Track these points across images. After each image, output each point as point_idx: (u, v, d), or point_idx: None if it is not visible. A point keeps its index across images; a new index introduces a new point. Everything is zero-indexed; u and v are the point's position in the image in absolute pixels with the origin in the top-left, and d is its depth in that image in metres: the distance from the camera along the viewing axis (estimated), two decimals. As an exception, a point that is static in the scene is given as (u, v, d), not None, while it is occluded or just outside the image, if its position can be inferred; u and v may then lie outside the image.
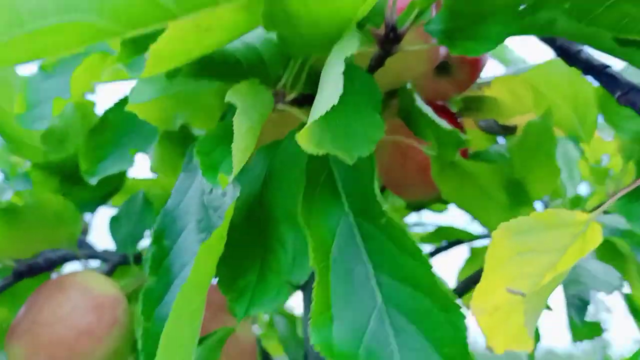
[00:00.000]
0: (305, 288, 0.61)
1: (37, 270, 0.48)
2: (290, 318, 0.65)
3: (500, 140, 0.57)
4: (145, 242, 0.57)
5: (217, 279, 0.33)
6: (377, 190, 0.27)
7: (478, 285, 0.26)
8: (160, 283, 0.34)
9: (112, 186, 0.51)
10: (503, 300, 0.26)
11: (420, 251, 0.25)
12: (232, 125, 0.28)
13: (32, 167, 0.49)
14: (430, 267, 0.25)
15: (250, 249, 0.33)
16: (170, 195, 0.37)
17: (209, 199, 0.35)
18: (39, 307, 0.45)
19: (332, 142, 0.24)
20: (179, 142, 0.68)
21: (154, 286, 0.34)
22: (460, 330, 0.24)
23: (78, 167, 0.48)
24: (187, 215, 0.36)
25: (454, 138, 0.37)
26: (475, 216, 0.50)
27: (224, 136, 0.30)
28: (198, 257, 0.29)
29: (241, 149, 0.24)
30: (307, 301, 0.61)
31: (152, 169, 0.79)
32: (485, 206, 0.47)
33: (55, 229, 0.42)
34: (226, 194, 0.34)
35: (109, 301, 0.45)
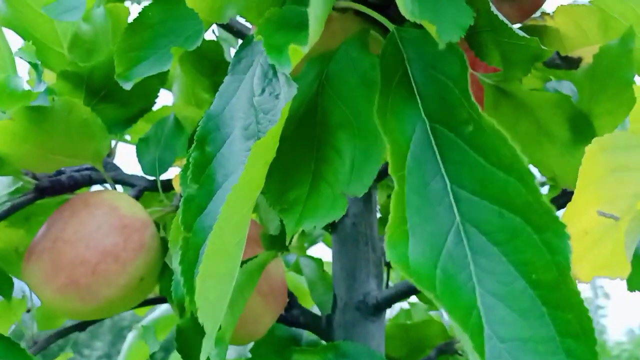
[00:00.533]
0: (335, 231, 0.59)
1: (59, 188, 0.45)
2: (318, 261, 0.63)
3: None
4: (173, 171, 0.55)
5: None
6: (467, 95, 0.23)
7: (567, 207, 0.23)
8: (203, 192, 0.31)
9: (141, 105, 0.48)
10: (593, 224, 0.23)
11: (520, 162, 0.21)
12: (292, 12, 0.24)
13: (57, 78, 0.46)
14: (532, 179, 0.21)
15: (302, 159, 0.30)
16: (214, 101, 0.33)
17: (259, 100, 0.31)
18: (62, 225, 0.41)
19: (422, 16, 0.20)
20: (205, 72, 0.65)
21: (195, 194, 0.30)
22: (559, 254, 0.21)
23: (106, 80, 0.45)
24: (232, 120, 0.32)
25: (532, 48, 0.32)
26: (531, 159, 0.46)
27: (285, 22, 0.26)
28: (251, 157, 0.26)
29: (318, 17, 0.20)
30: (337, 245, 0.58)
31: (177, 102, 0.76)
32: (543, 144, 0.43)
33: (81, 141, 0.39)
34: (279, 95, 0.31)
35: (137, 224, 0.42)
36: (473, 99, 0.22)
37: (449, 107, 0.24)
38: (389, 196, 0.72)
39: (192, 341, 0.42)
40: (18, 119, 0.34)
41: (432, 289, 0.20)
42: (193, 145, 0.32)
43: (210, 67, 0.63)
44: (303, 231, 0.87)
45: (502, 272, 0.21)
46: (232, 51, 0.84)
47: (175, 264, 0.37)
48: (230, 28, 0.58)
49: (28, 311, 0.56)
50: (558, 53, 0.50)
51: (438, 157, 0.24)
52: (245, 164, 0.26)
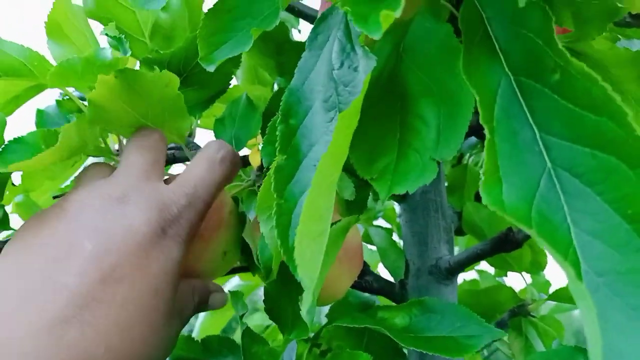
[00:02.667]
0: (405, 199, 0.60)
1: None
2: (388, 230, 0.64)
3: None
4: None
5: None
6: (553, 44, 0.24)
7: None
8: (290, 161, 0.33)
9: (218, 88, 0.50)
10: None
11: (612, 101, 0.22)
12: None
13: (140, 65, 0.49)
14: (624, 116, 0.22)
15: (386, 129, 0.32)
16: (294, 75, 0.35)
17: (338, 73, 0.33)
18: None
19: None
20: (270, 53, 0.67)
21: (284, 164, 0.33)
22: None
23: (185, 65, 0.48)
24: (312, 94, 0.34)
25: (607, 5, 0.33)
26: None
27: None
28: (337, 127, 0.28)
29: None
30: (407, 213, 0.59)
31: (242, 84, 0.78)
32: (617, 102, 0.43)
33: (171, 116, 0.41)
34: (357, 67, 0.32)
35: (215, 204, 0.45)
36: (560, 46, 0.23)
37: (533, 59, 0.25)
38: (453, 166, 0.73)
39: (278, 302, 0.45)
40: (119, 77, 0.36)
41: (529, 227, 0.22)
42: (278, 119, 0.34)
43: (274, 48, 0.65)
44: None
45: (596, 211, 0.22)
46: (294, 32, 0.85)
47: (264, 229, 0.39)
48: (292, 9, 0.60)
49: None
50: (629, 11, 0.49)
51: (525, 108, 0.25)
52: (333, 133, 0.28)
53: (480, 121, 0.24)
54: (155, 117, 0.40)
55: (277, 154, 0.33)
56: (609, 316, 0.21)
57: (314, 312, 0.40)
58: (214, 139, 0.53)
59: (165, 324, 0.35)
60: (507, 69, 0.26)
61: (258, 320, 1.18)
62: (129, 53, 0.39)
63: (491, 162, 0.23)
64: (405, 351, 0.56)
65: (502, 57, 0.26)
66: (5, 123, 0.37)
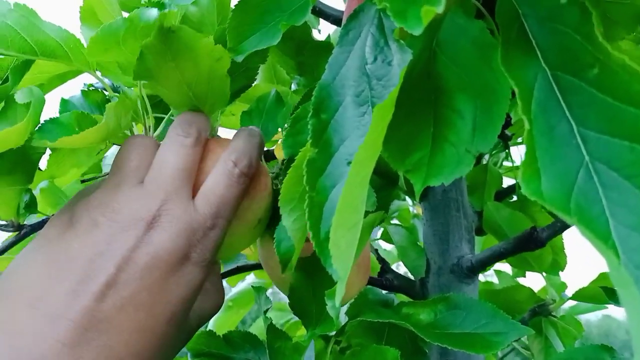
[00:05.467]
0: (426, 198, 0.60)
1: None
2: (408, 229, 0.64)
3: None
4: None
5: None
6: (593, 38, 0.24)
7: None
8: (322, 155, 0.33)
9: (244, 82, 0.51)
10: None
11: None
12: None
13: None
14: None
15: (420, 123, 0.32)
16: (325, 71, 0.36)
17: (372, 68, 0.33)
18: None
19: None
20: (290, 53, 0.67)
21: (316, 157, 0.33)
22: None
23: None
24: (343, 89, 0.35)
25: (637, 7, 0.33)
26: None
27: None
28: (374, 120, 0.28)
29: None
30: (428, 212, 0.60)
31: (260, 82, 0.79)
32: None
33: (214, 96, 0.40)
34: (392, 61, 0.33)
35: (262, 167, 0.44)
36: (600, 40, 0.24)
37: (570, 54, 0.25)
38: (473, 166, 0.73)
39: (303, 297, 0.45)
40: (175, 33, 0.35)
41: (569, 215, 0.22)
42: (310, 113, 0.35)
43: (294, 47, 0.65)
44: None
45: (635, 204, 0.22)
46: (314, 32, 0.86)
47: (287, 221, 0.39)
48: (313, 8, 0.60)
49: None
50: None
51: (562, 102, 0.25)
52: (370, 125, 0.28)
53: (520, 112, 0.24)
54: (200, 91, 0.39)
55: (309, 147, 0.34)
56: (649, 308, 0.21)
57: (340, 307, 0.41)
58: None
59: (175, 346, 0.36)
60: (543, 64, 0.26)
61: (273, 318, 1.18)
62: (175, 8, 0.37)
63: (530, 154, 0.24)
64: (427, 350, 0.56)
65: (538, 52, 0.26)
66: (44, 101, 0.37)
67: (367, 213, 0.50)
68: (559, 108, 0.25)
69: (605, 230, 0.22)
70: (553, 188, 0.23)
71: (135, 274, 0.33)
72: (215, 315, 1.01)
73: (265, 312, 0.47)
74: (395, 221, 1.12)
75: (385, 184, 0.54)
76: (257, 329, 1.01)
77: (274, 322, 0.49)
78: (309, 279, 0.44)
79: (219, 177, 0.39)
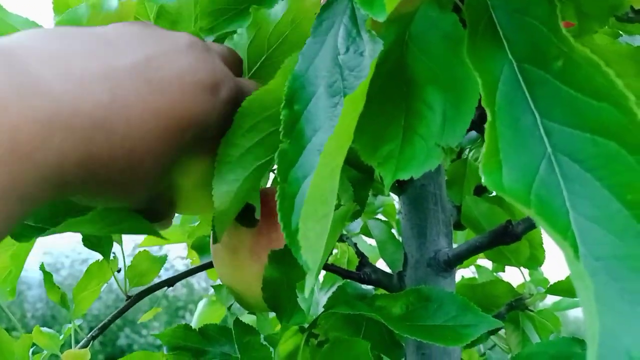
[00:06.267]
0: (405, 192, 0.60)
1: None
2: (386, 223, 0.65)
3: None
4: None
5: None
6: (557, 30, 0.24)
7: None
8: (294, 146, 0.33)
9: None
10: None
11: (615, 87, 0.22)
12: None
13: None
14: (626, 102, 0.22)
15: (391, 116, 0.32)
16: (297, 61, 0.35)
17: (344, 58, 0.33)
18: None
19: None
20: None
21: (288, 149, 0.33)
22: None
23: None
24: (316, 79, 0.34)
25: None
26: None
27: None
28: (344, 111, 0.28)
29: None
30: (407, 205, 0.60)
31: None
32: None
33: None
34: (364, 52, 0.33)
35: None
36: (564, 32, 0.24)
37: (537, 46, 0.25)
38: (452, 160, 0.73)
39: (277, 290, 0.45)
40: None
41: (528, 207, 0.22)
42: (282, 104, 0.35)
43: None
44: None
45: (596, 197, 0.22)
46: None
47: (222, 189, 0.38)
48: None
49: (119, 271, 0.61)
50: (631, 6, 0.49)
51: (527, 94, 0.25)
52: (339, 116, 0.28)
53: (482, 104, 0.24)
54: None
55: (281, 138, 0.33)
56: (606, 300, 0.21)
57: (312, 299, 0.41)
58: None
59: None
60: (510, 56, 0.26)
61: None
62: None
63: (492, 145, 0.24)
64: (403, 343, 0.56)
65: (505, 44, 0.27)
66: None
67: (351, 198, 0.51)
68: (524, 100, 0.25)
69: (565, 222, 0.22)
70: (514, 180, 0.23)
71: (160, 50, 0.32)
72: (199, 310, 1.01)
73: (229, 308, 0.47)
74: (380, 216, 1.12)
75: (363, 177, 0.54)
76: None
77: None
78: (282, 271, 0.44)
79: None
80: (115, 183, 0.30)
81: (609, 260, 0.22)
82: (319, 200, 0.29)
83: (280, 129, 0.33)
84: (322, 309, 0.56)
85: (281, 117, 0.34)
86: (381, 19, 0.25)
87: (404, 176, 0.29)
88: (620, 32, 0.51)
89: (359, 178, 0.53)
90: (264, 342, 0.46)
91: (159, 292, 0.62)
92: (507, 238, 0.50)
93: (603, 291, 0.21)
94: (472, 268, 1.05)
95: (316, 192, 0.29)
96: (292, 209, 0.32)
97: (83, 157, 0.27)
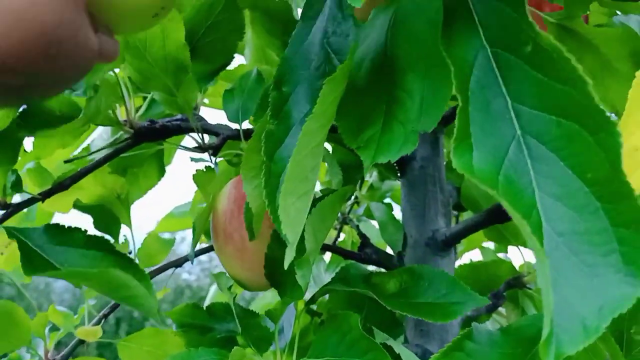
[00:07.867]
0: (404, 174, 0.61)
1: (153, 135, 0.50)
2: (388, 205, 0.66)
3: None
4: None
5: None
6: (525, 17, 0.25)
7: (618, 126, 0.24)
8: (281, 127, 0.35)
9: (222, 60, 0.52)
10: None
11: (575, 71, 0.23)
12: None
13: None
14: (585, 85, 0.23)
15: (374, 101, 0.33)
16: (288, 44, 0.36)
17: (330, 42, 0.34)
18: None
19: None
20: (276, 33, 0.68)
21: (275, 129, 0.34)
22: (611, 150, 0.23)
23: (190, 38, 0.49)
24: (305, 62, 0.36)
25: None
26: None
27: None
28: (323, 91, 0.29)
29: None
30: (406, 187, 0.61)
31: (250, 64, 0.79)
32: (605, 79, 0.44)
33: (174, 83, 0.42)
34: (349, 37, 0.34)
35: None
36: (530, 19, 0.24)
37: (509, 31, 0.26)
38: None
39: (277, 267, 0.46)
40: None
41: (494, 188, 0.23)
42: (271, 86, 0.36)
43: (280, 28, 0.66)
44: (372, 185, 0.90)
45: (559, 175, 0.23)
46: (299, 11, 0.86)
47: (248, 188, 0.40)
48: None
49: (130, 253, 0.63)
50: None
51: (499, 79, 0.26)
52: (319, 97, 0.29)
53: (454, 90, 0.25)
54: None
55: (268, 119, 0.35)
56: (564, 272, 0.22)
57: (308, 275, 0.42)
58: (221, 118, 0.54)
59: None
60: (484, 42, 0.27)
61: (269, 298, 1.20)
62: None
63: (463, 130, 0.25)
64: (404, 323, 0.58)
65: (480, 30, 0.27)
66: None
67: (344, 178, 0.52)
68: (496, 84, 0.26)
69: (532, 200, 0.24)
70: (484, 161, 0.24)
71: None
72: (211, 293, 1.03)
73: (229, 288, 0.49)
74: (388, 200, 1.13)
75: (358, 160, 0.55)
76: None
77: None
78: (283, 251, 0.45)
79: None
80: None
81: (569, 236, 0.23)
82: (299, 178, 0.31)
83: (268, 111, 0.35)
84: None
85: (269, 99, 0.35)
86: (357, 5, 0.26)
87: (382, 160, 0.30)
88: (617, 12, 0.51)
89: (355, 160, 0.54)
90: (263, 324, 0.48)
91: (182, 282, 0.64)
92: (503, 217, 0.51)
93: (562, 265, 0.22)
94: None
95: (296, 170, 0.30)
96: (277, 187, 0.34)
97: None
